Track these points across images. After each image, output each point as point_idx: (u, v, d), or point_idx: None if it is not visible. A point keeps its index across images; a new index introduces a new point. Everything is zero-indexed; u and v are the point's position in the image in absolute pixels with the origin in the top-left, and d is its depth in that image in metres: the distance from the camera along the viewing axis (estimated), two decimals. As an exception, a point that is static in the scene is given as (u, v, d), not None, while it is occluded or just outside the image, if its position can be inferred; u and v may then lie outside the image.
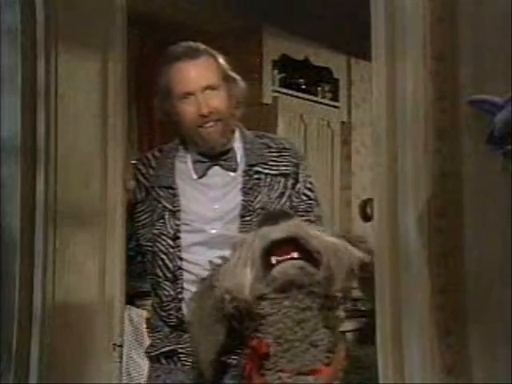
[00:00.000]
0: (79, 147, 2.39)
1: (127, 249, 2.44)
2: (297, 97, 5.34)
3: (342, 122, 5.70)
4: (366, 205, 5.59)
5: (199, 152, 2.38)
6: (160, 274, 2.35)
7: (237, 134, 2.42)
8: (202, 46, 2.41)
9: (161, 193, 2.38)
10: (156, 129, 4.82)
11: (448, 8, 1.71)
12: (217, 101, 2.33)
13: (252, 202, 2.31)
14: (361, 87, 5.76)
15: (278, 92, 5.19)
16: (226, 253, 2.25)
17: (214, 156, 2.37)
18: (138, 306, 4.01)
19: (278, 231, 1.54)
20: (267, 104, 5.05)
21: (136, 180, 2.46)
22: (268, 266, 1.56)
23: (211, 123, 2.32)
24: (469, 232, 1.67)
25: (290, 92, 5.30)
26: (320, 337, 1.58)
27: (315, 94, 5.52)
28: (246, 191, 2.33)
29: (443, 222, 1.69)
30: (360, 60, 5.65)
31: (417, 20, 1.74)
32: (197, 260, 2.29)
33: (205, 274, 2.08)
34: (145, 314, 3.91)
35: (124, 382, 3.64)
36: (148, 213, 2.39)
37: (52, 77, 2.33)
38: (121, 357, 2.39)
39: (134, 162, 2.60)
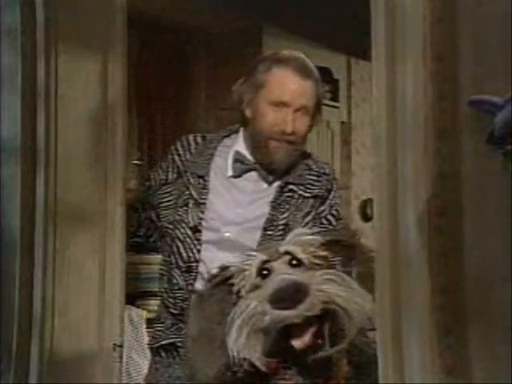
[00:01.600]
0: (79, 147, 2.39)
1: (136, 236, 2.45)
2: (297, 97, 5.33)
3: (342, 122, 5.70)
4: (365, 205, 5.59)
5: (248, 154, 2.36)
6: (173, 260, 2.34)
7: None
8: (315, 70, 2.38)
9: (192, 180, 2.36)
10: (156, 129, 4.82)
11: (448, 8, 1.71)
12: (303, 124, 2.32)
13: (278, 217, 2.30)
14: (361, 87, 5.76)
15: (278, 92, 5.19)
16: (236, 257, 2.25)
17: (257, 162, 2.36)
18: (138, 306, 4.01)
19: (296, 317, 1.46)
20: (267, 104, 5.05)
21: (171, 159, 2.44)
22: (284, 340, 1.49)
23: (285, 142, 2.31)
24: (469, 232, 1.66)
25: (290, 92, 5.30)
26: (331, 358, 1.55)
27: (315, 95, 5.52)
28: (275, 206, 2.32)
29: (443, 221, 1.69)
30: (360, 60, 5.65)
31: (417, 20, 1.74)
32: (205, 257, 2.29)
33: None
34: (145, 314, 3.91)
35: (124, 382, 3.64)
36: (174, 195, 2.39)
37: (52, 77, 2.33)
38: (121, 357, 2.39)
39: (134, 161, 2.60)
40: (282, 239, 2.26)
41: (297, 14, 4.64)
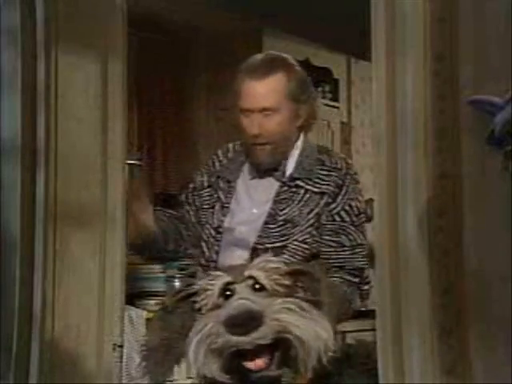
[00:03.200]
0: (79, 147, 2.39)
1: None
2: (297, 97, 5.33)
3: (342, 123, 5.70)
4: (366, 205, 5.59)
5: None
6: (198, 259, 2.41)
7: (299, 143, 2.42)
8: (283, 60, 2.39)
9: (221, 184, 2.45)
10: (156, 129, 4.82)
11: (448, 8, 1.71)
12: (272, 124, 2.33)
13: (278, 212, 2.32)
14: (361, 87, 5.76)
15: (278, 92, 5.19)
16: (243, 254, 2.27)
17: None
18: (138, 306, 4.01)
19: (247, 344, 1.50)
20: (267, 104, 5.05)
21: (212, 164, 2.54)
22: (237, 364, 1.53)
23: (264, 144, 2.35)
24: (469, 232, 1.66)
25: (290, 92, 5.30)
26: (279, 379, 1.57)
27: (315, 95, 5.52)
28: (277, 200, 2.34)
29: (443, 222, 1.69)
30: (360, 60, 5.64)
31: (417, 20, 1.74)
32: (224, 255, 2.35)
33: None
34: (145, 314, 3.91)
35: (124, 382, 3.64)
36: (209, 198, 2.47)
37: (52, 77, 2.33)
38: (121, 357, 2.39)
39: (134, 161, 2.60)
40: (283, 235, 2.29)
41: (296, 14, 4.64)
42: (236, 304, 1.49)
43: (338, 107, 5.68)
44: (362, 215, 2.40)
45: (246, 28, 4.94)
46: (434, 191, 1.70)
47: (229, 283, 1.58)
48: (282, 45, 5.16)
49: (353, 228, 2.36)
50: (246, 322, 1.45)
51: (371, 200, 1.98)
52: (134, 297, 3.94)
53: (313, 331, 1.48)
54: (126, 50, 2.47)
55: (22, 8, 2.30)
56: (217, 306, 1.55)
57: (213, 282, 1.59)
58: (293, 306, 1.49)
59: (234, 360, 1.48)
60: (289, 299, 1.52)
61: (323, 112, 5.55)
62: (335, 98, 5.67)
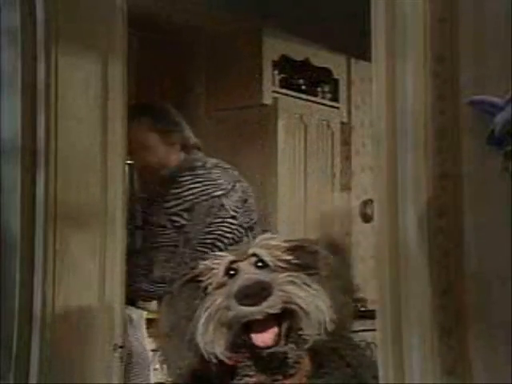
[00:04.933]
0: (79, 148, 2.39)
1: None
2: (297, 97, 5.33)
3: (342, 123, 5.69)
4: (366, 205, 5.58)
5: None
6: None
7: None
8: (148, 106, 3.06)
9: None
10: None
11: (448, 8, 1.71)
12: None
13: None
14: (361, 88, 5.76)
15: (278, 93, 5.19)
16: None
17: None
18: (138, 307, 4.01)
19: (258, 313, 1.53)
20: (267, 105, 5.05)
21: None
22: (246, 335, 1.55)
23: None
24: (469, 232, 1.66)
25: (290, 93, 5.30)
26: (287, 355, 1.58)
27: (315, 95, 5.51)
28: None
29: (443, 222, 1.69)
30: (360, 60, 5.64)
31: (417, 20, 1.74)
32: None
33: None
34: (145, 314, 3.91)
35: (124, 382, 3.64)
36: None
37: (52, 77, 2.33)
38: (121, 357, 2.39)
39: (129, 161, 2.61)
40: None
41: (297, 14, 4.64)
42: (246, 277, 1.55)
43: (337, 107, 5.68)
44: None
45: (246, 28, 4.93)
46: (434, 191, 1.70)
47: (233, 262, 1.61)
48: (282, 45, 5.16)
49: None
50: (257, 292, 1.51)
51: (371, 200, 1.98)
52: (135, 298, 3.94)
53: (314, 303, 1.53)
54: (126, 49, 2.48)
55: (22, 8, 2.30)
56: (222, 285, 1.59)
57: (217, 261, 1.62)
58: (296, 280, 1.56)
59: (242, 335, 1.53)
60: (292, 273, 1.58)
61: (323, 112, 5.55)
62: (335, 98, 5.66)
